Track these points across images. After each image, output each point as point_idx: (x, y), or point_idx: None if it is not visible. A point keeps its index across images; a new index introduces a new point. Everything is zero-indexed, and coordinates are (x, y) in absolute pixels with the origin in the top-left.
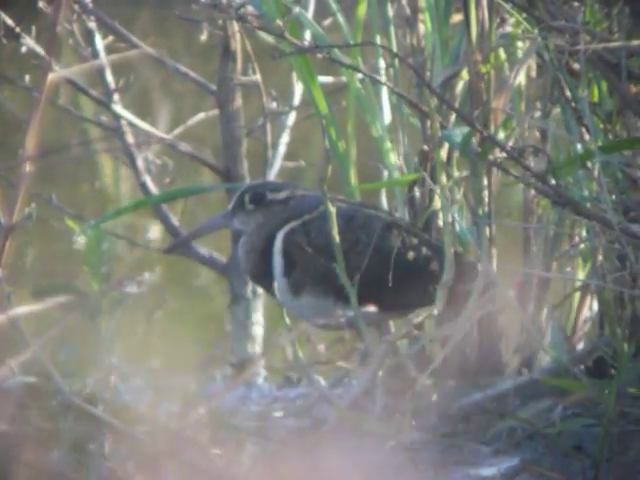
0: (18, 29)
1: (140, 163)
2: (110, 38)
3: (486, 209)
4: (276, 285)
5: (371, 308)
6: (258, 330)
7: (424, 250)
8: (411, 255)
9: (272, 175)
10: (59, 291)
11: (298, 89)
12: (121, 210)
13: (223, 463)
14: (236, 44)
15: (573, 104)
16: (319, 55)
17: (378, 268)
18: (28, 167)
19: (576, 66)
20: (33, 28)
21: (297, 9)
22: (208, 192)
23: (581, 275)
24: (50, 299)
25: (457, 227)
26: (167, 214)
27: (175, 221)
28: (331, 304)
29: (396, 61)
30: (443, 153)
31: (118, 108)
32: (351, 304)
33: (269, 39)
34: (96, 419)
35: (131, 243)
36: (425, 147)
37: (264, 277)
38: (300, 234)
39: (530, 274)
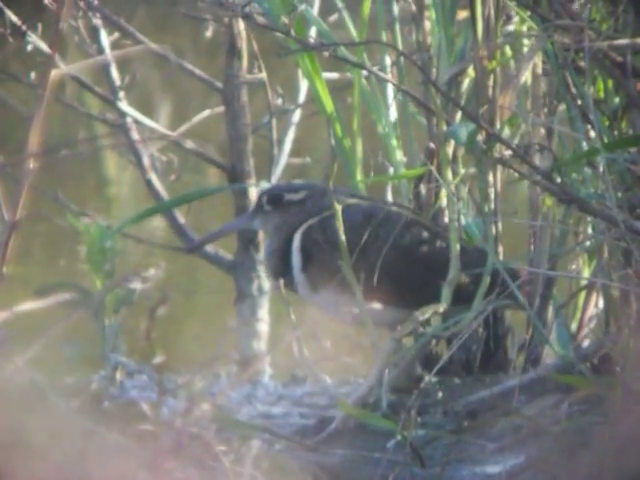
0: (24, 27)
1: (146, 160)
2: (116, 35)
3: (492, 206)
4: (296, 281)
5: (391, 306)
6: (263, 327)
7: (444, 248)
8: (430, 253)
9: (278, 172)
10: (63, 288)
11: (304, 86)
12: (139, 216)
13: (228, 460)
14: (242, 42)
15: (579, 101)
16: (325, 52)
17: (396, 265)
18: (32, 164)
19: (581, 64)
20: (39, 25)
21: (302, 6)
22: (219, 193)
23: (587, 272)
24: (54, 296)
25: (463, 223)
26: (173, 212)
27: (181, 218)
28: (348, 300)
29: (402, 58)
30: (449, 150)
31: (124, 105)
32: (371, 300)
33: (275, 36)
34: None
35: (137, 240)
36: (431, 144)
37: (284, 275)
38: (317, 231)
39: (536, 271)
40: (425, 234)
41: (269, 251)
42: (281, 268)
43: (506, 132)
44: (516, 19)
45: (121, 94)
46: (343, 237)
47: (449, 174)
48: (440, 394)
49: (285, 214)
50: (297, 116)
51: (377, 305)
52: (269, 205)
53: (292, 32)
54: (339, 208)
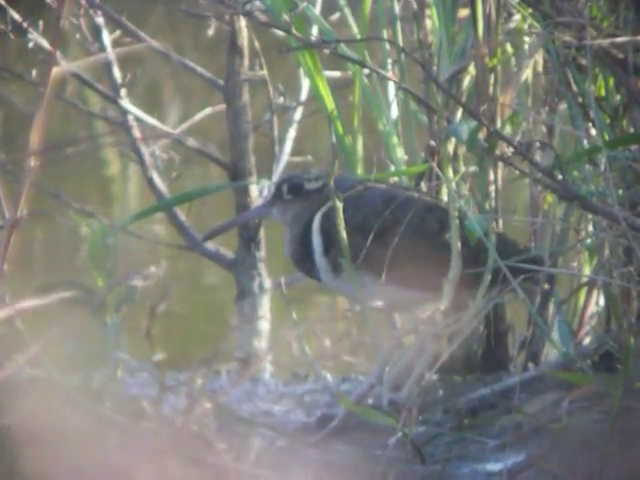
0: (25, 24)
1: (147, 158)
2: (117, 33)
3: (493, 204)
4: (317, 265)
5: (412, 289)
6: (264, 325)
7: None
8: (448, 238)
9: (279, 170)
10: (64, 286)
11: (305, 84)
12: (141, 214)
13: (229, 458)
14: (243, 39)
15: (580, 99)
16: (326, 50)
17: (414, 248)
18: (33, 162)
19: (583, 61)
20: (40, 23)
21: (304, 4)
22: (222, 190)
23: (588, 270)
24: (55, 294)
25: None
26: (174, 209)
27: (182, 216)
28: (369, 281)
29: (403, 56)
30: (450, 148)
31: (125, 103)
32: (391, 283)
33: (276, 34)
34: (101, 414)
35: (138, 238)
36: (432, 142)
37: (305, 261)
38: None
39: (537, 269)
40: (445, 218)
41: (290, 238)
42: (302, 254)
43: (507, 130)
44: (517, 16)
45: (123, 92)
46: (364, 219)
47: (450, 172)
48: (441, 392)
49: (305, 202)
50: (298, 114)
51: (397, 288)
52: (289, 194)
53: (293, 30)
54: (339, 201)
